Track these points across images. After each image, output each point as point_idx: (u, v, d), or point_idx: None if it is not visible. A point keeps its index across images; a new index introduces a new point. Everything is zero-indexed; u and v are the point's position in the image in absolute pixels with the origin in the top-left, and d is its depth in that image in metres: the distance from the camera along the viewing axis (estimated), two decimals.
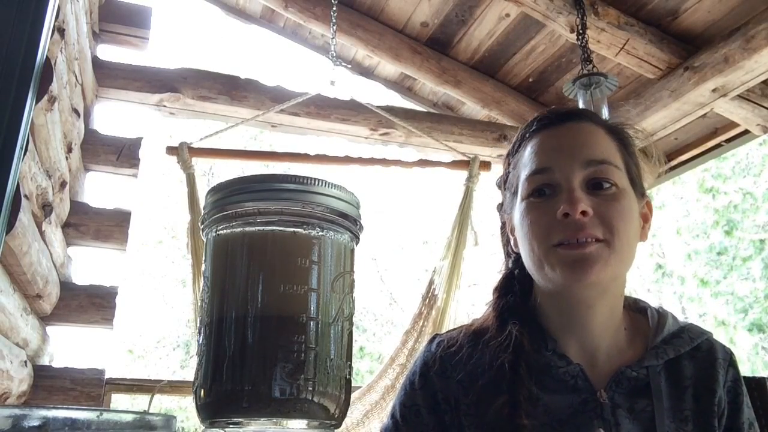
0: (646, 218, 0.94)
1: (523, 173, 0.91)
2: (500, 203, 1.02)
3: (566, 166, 0.87)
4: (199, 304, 0.66)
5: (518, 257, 0.95)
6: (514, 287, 0.97)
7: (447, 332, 1.00)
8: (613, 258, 0.84)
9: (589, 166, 0.87)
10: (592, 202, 0.85)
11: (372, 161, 2.89)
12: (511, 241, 0.97)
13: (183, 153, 2.64)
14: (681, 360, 0.90)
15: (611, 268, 0.84)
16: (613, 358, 0.90)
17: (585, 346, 0.90)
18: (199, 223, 0.65)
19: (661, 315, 0.95)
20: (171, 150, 2.67)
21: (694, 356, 0.91)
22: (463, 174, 2.89)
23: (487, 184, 2.91)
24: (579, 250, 0.83)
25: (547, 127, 0.93)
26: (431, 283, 2.73)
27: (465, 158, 2.91)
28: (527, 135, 0.96)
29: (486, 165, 2.90)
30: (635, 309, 0.97)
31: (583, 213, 0.83)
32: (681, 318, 0.98)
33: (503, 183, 1.00)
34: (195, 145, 2.69)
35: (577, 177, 0.86)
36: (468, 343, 0.94)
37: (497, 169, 2.90)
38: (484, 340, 0.92)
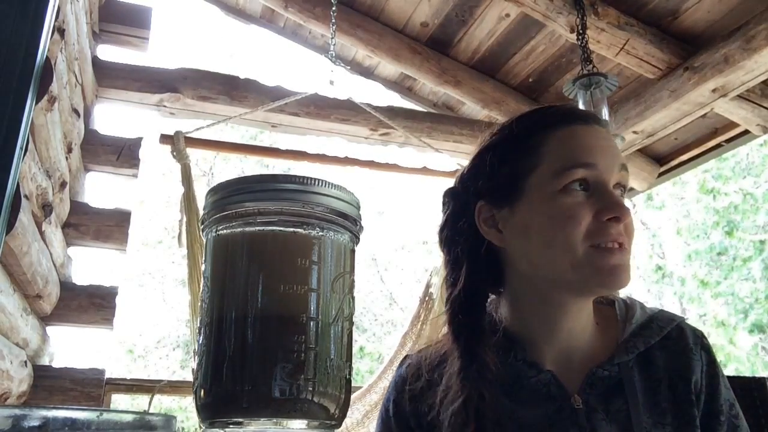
0: None
1: (557, 163, 0.85)
2: (482, 203, 0.92)
3: (609, 167, 0.85)
4: (198, 302, 0.67)
5: (475, 265, 0.90)
6: (470, 303, 0.90)
7: (418, 351, 0.98)
8: (631, 265, 0.85)
9: (622, 170, 0.86)
10: None
11: (369, 165, 2.89)
12: (496, 238, 0.90)
13: (179, 142, 2.53)
14: (653, 351, 0.88)
15: (631, 275, 0.85)
16: (587, 359, 0.88)
17: (561, 350, 0.88)
18: (199, 223, 0.65)
19: (629, 306, 0.93)
20: (165, 139, 2.55)
21: (665, 346, 0.89)
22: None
23: None
24: (618, 256, 0.82)
25: (581, 123, 0.89)
26: (428, 285, 2.74)
27: (460, 167, 2.91)
28: (547, 125, 0.89)
29: None
30: (604, 302, 0.95)
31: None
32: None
33: (484, 176, 0.92)
34: (191, 135, 2.59)
35: (614, 179, 0.85)
36: (431, 359, 0.92)
37: None
38: (442, 361, 0.90)
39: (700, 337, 0.91)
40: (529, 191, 0.86)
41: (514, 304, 0.91)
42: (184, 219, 2.48)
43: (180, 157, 2.54)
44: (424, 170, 2.94)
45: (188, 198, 2.52)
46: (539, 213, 0.85)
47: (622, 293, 0.98)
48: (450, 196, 0.97)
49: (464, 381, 0.83)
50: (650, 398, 0.85)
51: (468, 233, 0.92)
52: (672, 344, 0.89)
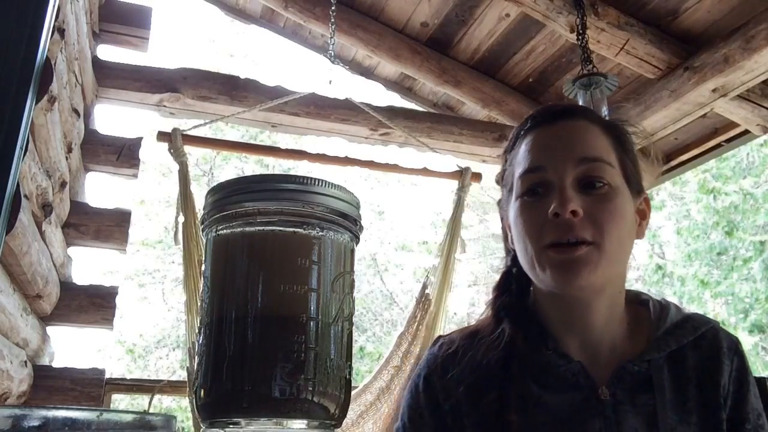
0: (643, 215, 0.93)
1: (518, 171, 0.91)
2: (499, 199, 1.01)
3: (559, 165, 0.86)
4: (197, 301, 0.67)
5: (515, 254, 0.95)
6: (511, 285, 0.97)
7: (450, 333, 1.01)
8: (603, 260, 0.83)
9: (581, 164, 0.86)
10: (584, 201, 0.84)
11: (369, 165, 2.89)
12: (509, 238, 0.96)
13: (176, 140, 2.48)
14: (684, 350, 0.89)
15: (601, 270, 0.84)
16: (616, 354, 0.89)
17: (586, 344, 0.90)
18: (199, 223, 0.65)
19: (663, 306, 0.94)
20: (163, 136, 2.51)
21: (699, 345, 0.90)
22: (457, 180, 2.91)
23: (481, 191, 2.94)
24: (568, 253, 0.83)
25: (541, 124, 0.93)
26: (425, 286, 2.74)
27: (458, 169, 2.92)
28: (522, 132, 0.95)
29: (477, 176, 2.93)
30: (637, 302, 0.96)
31: (573, 213, 0.83)
32: None
33: (501, 179, 1.00)
34: (189, 133, 2.55)
35: (569, 176, 0.86)
36: (465, 343, 0.94)
37: (489, 179, 2.91)
38: (478, 339, 0.93)
39: (735, 343, 0.92)
40: (512, 198, 0.93)
41: (539, 297, 0.95)
42: (181, 217, 2.47)
43: (177, 154, 2.50)
44: (424, 170, 2.94)
45: (185, 196, 2.49)
46: (512, 220, 0.92)
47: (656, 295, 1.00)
48: (497, 183, 1.04)
49: (500, 375, 0.86)
50: (677, 396, 0.86)
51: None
52: (706, 345, 0.90)
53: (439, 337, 1.01)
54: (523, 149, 0.92)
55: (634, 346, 0.90)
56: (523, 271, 0.93)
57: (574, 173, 0.86)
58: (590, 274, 0.83)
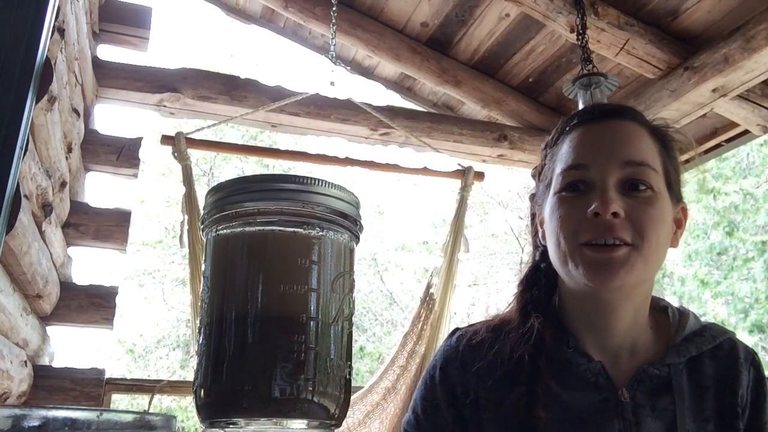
0: (679, 224, 0.93)
1: (559, 167, 0.90)
2: (533, 193, 1.01)
3: (603, 165, 0.86)
4: (198, 302, 0.67)
5: (545, 250, 0.94)
6: (539, 280, 0.96)
7: (468, 326, 1.00)
8: (640, 263, 0.83)
9: (627, 167, 0.86)
10: (626, 203, 0.84)
11: (370, 165, 2.89)
12: (540, 234, 0.95)
13: (179, 143, 2.54)
14: (702, 359, 0.89)
15: (637, 272, 0.83)
16: (636, 358, 0.89)
17: (606, 346, 0.90)
18: (199, 223, 0.65)
19: (683, 314, 0.94)
20: (166, 139, 2.56)
21: (716, 355, 0.90)
22: (460, 179, 2.91)
23: (481, 191, 2.94)
24: (606, 253, 0.82)
25: (588, 122, 0.92)
26: (429, 285, 2.74)
27: (460, 168, 2.92)
28: (567, 129, 0.93)
29: (479, 175, 2.93)
30: (657, 308, 0.96)
31: (614, 214, 0.82)
32: None
33: (538, 174, 0.99)
34: (192, 136, 2.59)
35: (612, 176, 0.85)
36: (489, 335, 0.93)
37: (491, 179, 2.92)
38: (506, 332, 0.92)
39: (752, 354, 0.93)
40: (550, 193, 0.92)
41: (564, 295, 0.94)
42: (186, 219, 2.48)
43: (181, 158, 2.55)
44: (425, 170, 2.94)
45: (189, 198, 2.52)
46: (547, 215, 0.91)
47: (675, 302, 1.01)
48: (533, 177, 1.03)
49: (523, 373, 0.86)
50: (696, 403, 0.86)
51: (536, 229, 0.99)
52: (723, 355, 0.91)
53: (457, 328, 1.00)
54: (566, 146, 0.91)
55: (654, 351, 0.90)
56: (551, 267, 0.92)
57: (618, 174, 0.85)
58: (626, 275, 0.82)
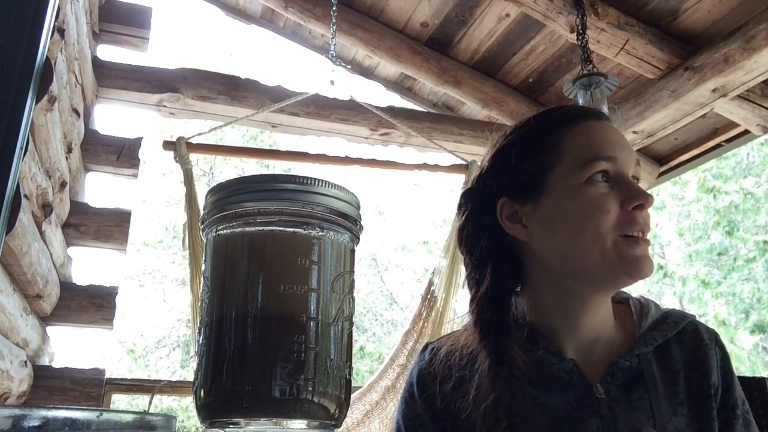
0: None
1: (580, 157, 0.87)
2: (482, 198, 0.94)
3: (627, 161, 0.88)
4: (198, 303, 0.67)
5: (499, 262, 0.91)
6: (497, 300, 0.91)
7: (437, 339, 1.00)
8: None
9: (636, 165, 0.90)
10: None
11: (372, 162, 2.88)
12: (520, 232, 0.90)
13: (180, 148, 2.57)
14: (669, 345, 0.91)
15: None
16: (605, 352, 0.90)
17: (582, 342, 0.90)
18: (199, 223, 0.65)
19: (643, 304, 0.96)
20: (168, 145, 2.59)
21: (681, 340, 0.92)
22: (461, 175, 2.89)
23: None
24: (644, 246, 0.85)
25: (590, 119, 0.92)
26: (430, 284, 2.74)
27: (463, 162, 2.91)
28: (563, 123, 0.92)
29: None
30: (617, 300, 0.97)
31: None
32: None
33: (505, 173, 0.92)
34: (193, 141, 2.61)
35: (631, 173, 0.89)
36: (460, 347, 0.93)
37: None
38: (467, 346, 0.91)
39: (714, 334, 0.94)
40: (553, 186, 0.89)
41: (536, 298, 0.93)
42: (188, 222, 2.50)
43: (183, 162, 2.58)
44: (424, 165, 2.94)
45: (191, 201, 2.55)
46: (566, 205, 0.87)
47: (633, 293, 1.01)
48: (468, 196, 0.98)
49: (495, 380, 0.84)
50: (668, 389, 0.87)
51: (490, 230, 0.93)
52: (688, 339, 0.92)
53: (428, 343, 1.00)
54: (581, 137, 0.90)
55: (620, 343, 0.91)
56: (504, 284, 0.91)
57: (632, 171, 0.89)
58: (652, 268, 0.85)
